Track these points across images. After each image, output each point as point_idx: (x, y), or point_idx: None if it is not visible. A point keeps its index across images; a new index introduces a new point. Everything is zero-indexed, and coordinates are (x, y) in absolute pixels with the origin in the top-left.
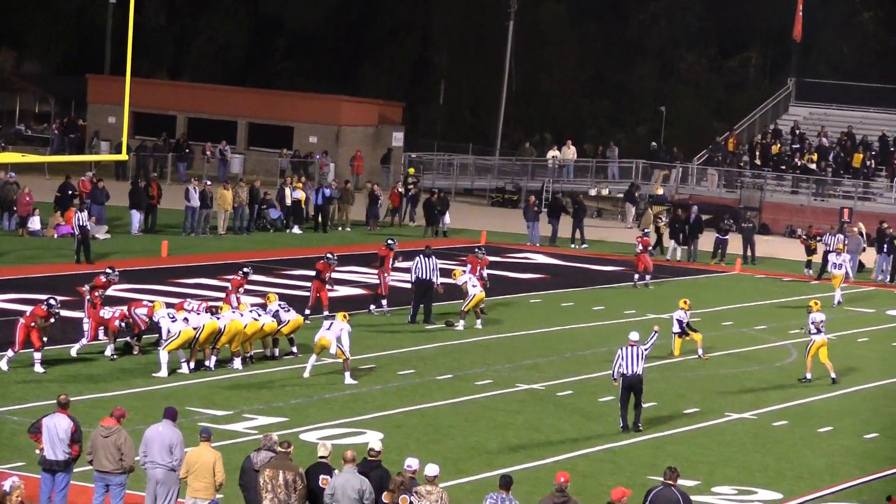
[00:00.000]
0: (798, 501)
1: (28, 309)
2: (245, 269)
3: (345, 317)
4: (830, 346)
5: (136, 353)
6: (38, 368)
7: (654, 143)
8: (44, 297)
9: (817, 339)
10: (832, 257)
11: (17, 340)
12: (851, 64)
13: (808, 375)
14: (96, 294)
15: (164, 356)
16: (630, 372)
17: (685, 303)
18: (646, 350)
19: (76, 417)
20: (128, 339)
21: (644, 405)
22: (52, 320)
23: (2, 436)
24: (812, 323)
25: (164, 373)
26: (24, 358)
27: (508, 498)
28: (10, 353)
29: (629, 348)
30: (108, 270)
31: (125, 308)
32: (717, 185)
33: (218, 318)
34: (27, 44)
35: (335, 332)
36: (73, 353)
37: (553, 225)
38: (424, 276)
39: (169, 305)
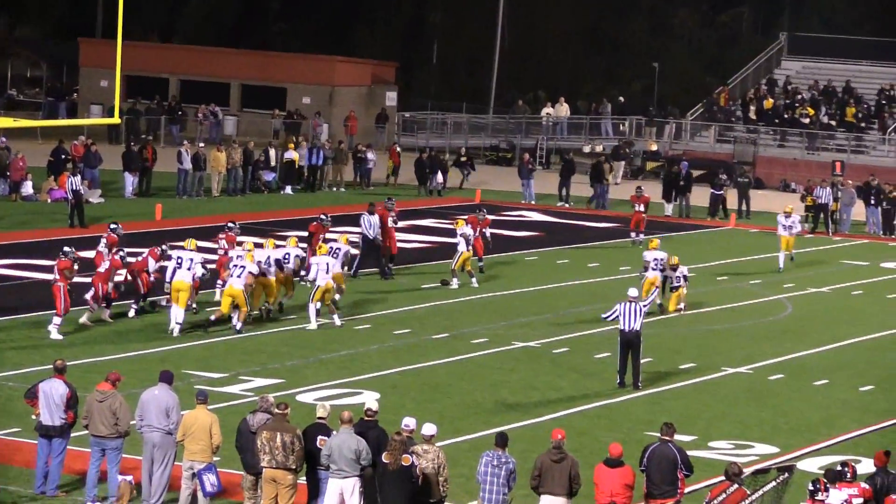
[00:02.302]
0: (794, 455)
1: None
2: (230, 224)
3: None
4: (825, 298)
5: (131, 315)
6: (54, 332)
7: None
8: (41, 261)
9: (649, 276)
10: (781, 219)
11: (65, 305)
12: (843, 18)
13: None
14: (114, 252)
15: (176, 312)
16: (628, 328)
17: (674, 258)
18: (645, 307)
19: (72, 384)
20: (136, 304)
21: (641, 360)
22: (76, 266)
23: None
24: (645, 260)
25: (177, 322)
26: (35, 320)
27: (505, 455)
28: (57, 319)
29: (628, 304)
30: (114, 226)
31: (126, 269)
32: (712, 139)
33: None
34: (22, 8)
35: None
36: (83, 320)
37: (597, 189)
38: (371, 235)
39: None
